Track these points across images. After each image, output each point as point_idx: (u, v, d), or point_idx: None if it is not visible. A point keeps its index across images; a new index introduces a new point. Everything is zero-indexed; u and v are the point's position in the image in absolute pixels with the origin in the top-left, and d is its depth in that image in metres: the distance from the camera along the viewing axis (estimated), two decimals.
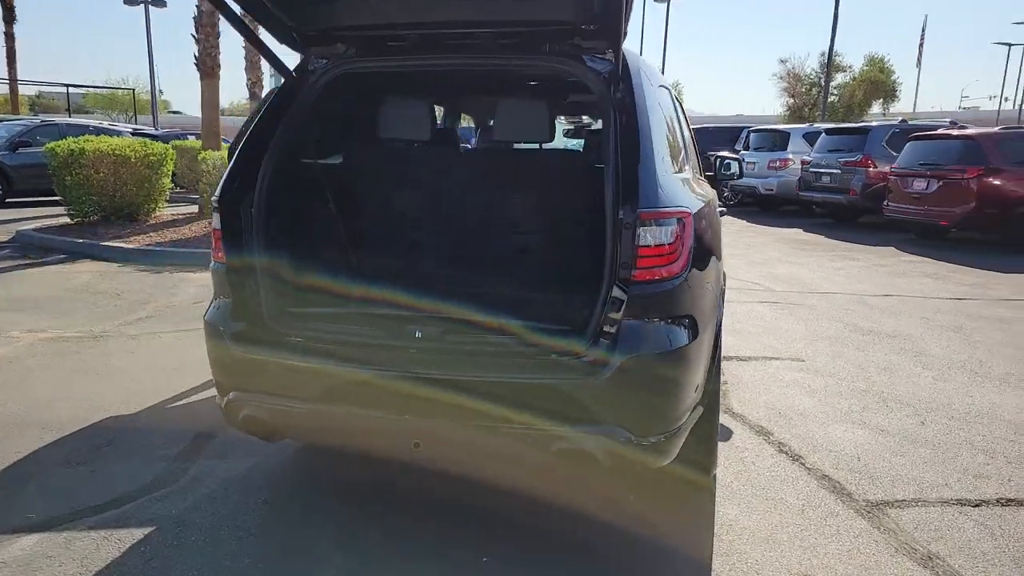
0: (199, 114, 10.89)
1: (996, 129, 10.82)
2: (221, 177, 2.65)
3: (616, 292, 2.25)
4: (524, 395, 2.23)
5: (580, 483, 2.83)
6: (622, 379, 2.20)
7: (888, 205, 10.59)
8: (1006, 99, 59.44)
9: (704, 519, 2.66)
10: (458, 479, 2.75)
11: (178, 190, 13.33)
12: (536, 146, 4.12)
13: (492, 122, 4.91)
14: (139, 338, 4.79)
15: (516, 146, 4.14)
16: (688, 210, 2.34)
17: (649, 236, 2.28)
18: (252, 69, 13.65)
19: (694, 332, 2.32)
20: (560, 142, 9.75)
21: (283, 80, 2.82)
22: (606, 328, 2.25)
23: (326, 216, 3.31)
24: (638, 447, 2.23)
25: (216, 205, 2.58)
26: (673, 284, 2.31)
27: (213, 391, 2.69)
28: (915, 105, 50.34)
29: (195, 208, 10.66)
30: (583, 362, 2.24)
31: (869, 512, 2.75)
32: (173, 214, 10.07)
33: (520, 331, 2.40)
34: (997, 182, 9.20)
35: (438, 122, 4.34)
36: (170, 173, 9.54)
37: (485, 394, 2.23)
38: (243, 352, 2.43)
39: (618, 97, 2.53)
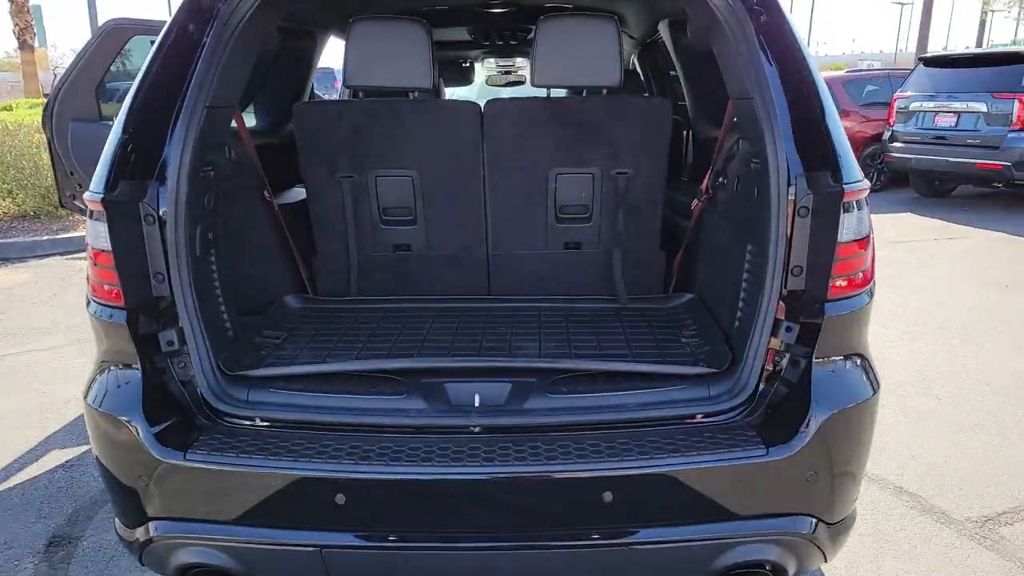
0: None
1: None
2: (103, 161, 1.94)
3: (794, 311, 1.91)
4: (663, 490, 1.85)
5: None
6: (820, 447, 1.84)
7: None
8: None
9: None
10: None
11: None
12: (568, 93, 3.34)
13: (505, 68, 4.15)
14: None
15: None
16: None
17: (852, 225, 1.80)
18: (19, 13, 11.22)
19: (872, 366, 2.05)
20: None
21: None
22: (780, 370, 1.93)
23: (298, 216, 2.49)
24: (826, 536, 1.91)
25: (95, 206, 1.88)
26: (866, 299, 1.91)
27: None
28: None
29: None
30: (749, 423, 1.92)
31: None
32: None
33: (636, 380, 2.07)
34: None
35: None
36: None
37: (598, 495, 1.84)
38: (176, 460, 1.83)
39: (763, 20, 1.92)
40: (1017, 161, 9.58)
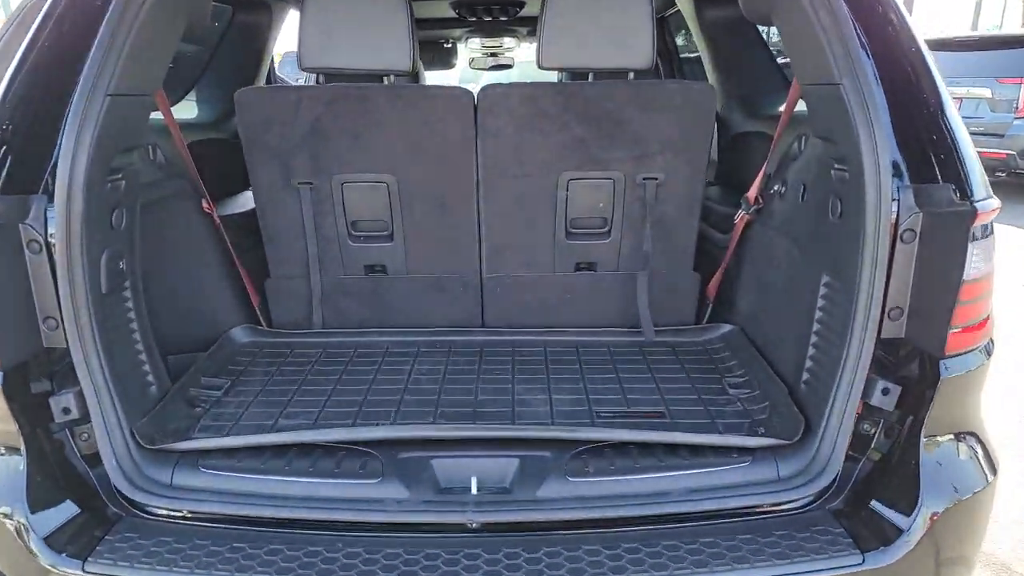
0: None
1: None
2: None
3: (890, 368, 1.61)
4: None
5: None
6: (929, 549, 1.54)
7: None
8: None
9: None
10: None
11: None
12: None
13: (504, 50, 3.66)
14: None
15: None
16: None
17: (980, 258, 1.53)
18: None
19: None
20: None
21: None
22: (871, 445, 1.64)
23: (249, 230, 2.01)
24: None
25: None
26: (985, 355, 1.65)
27: None
28: None
29: None
30: (833, 515, 1.59)
31: None
32: None
33: (680, 451, 1.73)
34: None
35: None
36: None
37: None
38: (72, 572, 1.49)
39: None
40: (1022, 149, 9.18)
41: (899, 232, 1.54)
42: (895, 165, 1.56)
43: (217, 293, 2.47)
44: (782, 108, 2.92)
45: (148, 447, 1.73)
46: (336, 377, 2.22)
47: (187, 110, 2.96)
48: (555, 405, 2.02)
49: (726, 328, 2.48)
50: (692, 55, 4.25)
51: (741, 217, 2.33)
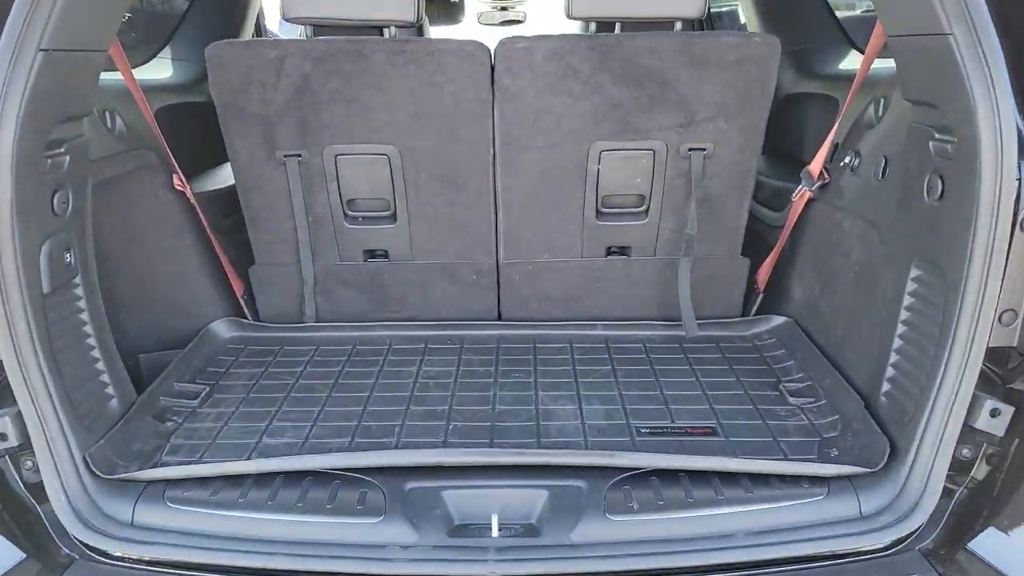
0: None
1: None
2: None
3: (1000, 382, 1.39)
4: None
5: None
6: None
7: None
8: None
9: None
10: None
11: None
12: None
13: None
14: None
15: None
16: None
17: None
18: None
19: None
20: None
21: None
22: (975, 473, 1.41)
23: (230, 209, 2.18)
24: None
25: None
26: None
27: None
28: None
29: None
30: (930, 560, 1.34)
31: None
32: None
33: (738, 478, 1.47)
34: None
35: None
36: None
37: None
38: None
39: None
40: None
41: (1020, 219, 1.29)
42: (1020, 137, 1.25)
43: (194, 282, 2.17)
44: (841, 66, 2.59)
45: (105, 477, 1.46)
46: (331, 382, 1.94)
47: (161, 70, 2.63)
48: (586, 417, 1.74)
49: (778, 320, 2.18)
50: (723, 6, 3.87)
51: (801, 193, 2.01)
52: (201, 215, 2.10)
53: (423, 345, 2.16)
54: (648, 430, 1.69)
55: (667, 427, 1.70)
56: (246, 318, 2.27)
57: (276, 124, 1.94)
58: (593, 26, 1.94)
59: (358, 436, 1.68)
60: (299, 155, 1.99)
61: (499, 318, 2.27)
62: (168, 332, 2.19)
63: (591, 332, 2.20)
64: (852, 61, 2.51)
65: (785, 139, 2.41)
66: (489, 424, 1.72)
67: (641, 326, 2.21)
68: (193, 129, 2.34)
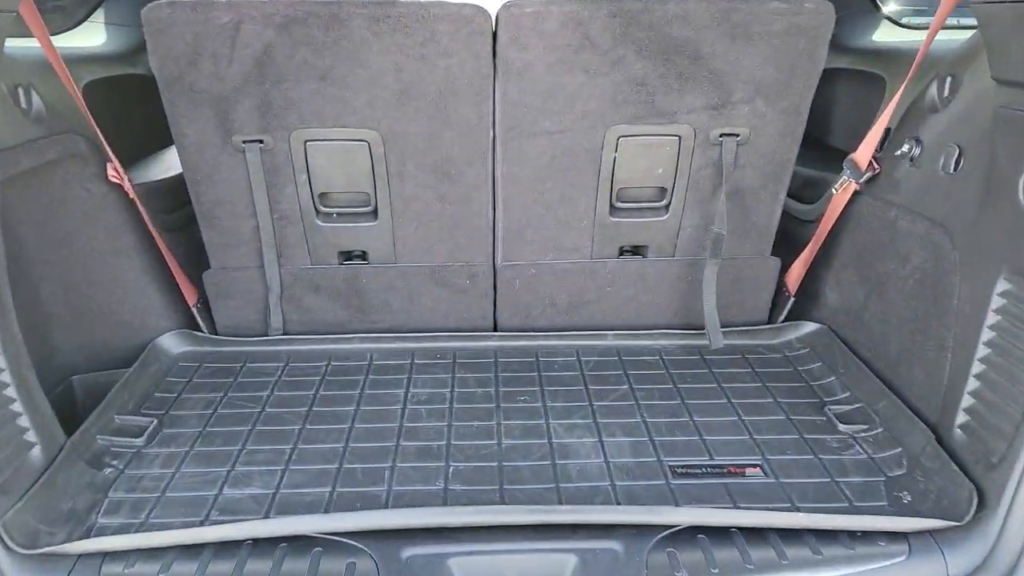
0: None
1: None
2: None
3: None
4: None
5: None
6: None
7: None
8: None
9: None
10: None
11: None
12: None
13: None
14: None
15: None
16: None
17: None
18: None
19: None
20: None
21: None
22: None
23: (179, 201, 1.90)
24: None
25: None
26: None
27: None
28: None
29: None
30: None
31: None
32: None
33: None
34: None
35: None
36: None
37: None
38: None
39: None
40: None
41: None
42: None
43: (137, 290, 1.86)
44: (875, 37, 2.35)
45: (25, 552, 1.17)
46: (304, 409, 1.66)
47: (92, 36, 2.26)
48: (610, 454, 1.49)
49: (810, 328, 1.96)
50: None
51: (845, 185, 1.77)
52: (142, 210, 1.78)
53: (409, 360, 1.89)
54: (684, 469, 1.45)
55: (705, 465, 1.47)
56: (200, 330, 1.97)
57: (232, 104, 1.63)
58: None
59: (341, 483, 1.41)
60: (260, 141, 1.68)
61: (495, 328, 2.00)
62: (108, 349, 1.88)
63: (600, 342, 1.96)
64: (886, 33, 2.27)
65: (817, 122, 2.17)
66: (496, 464, 1.47)
67: (656, 335, 1.97)
68: (131, 107, 2.00)
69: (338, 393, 1.74)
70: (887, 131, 1.70)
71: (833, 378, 1.76)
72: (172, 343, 1.91)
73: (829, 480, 1.41)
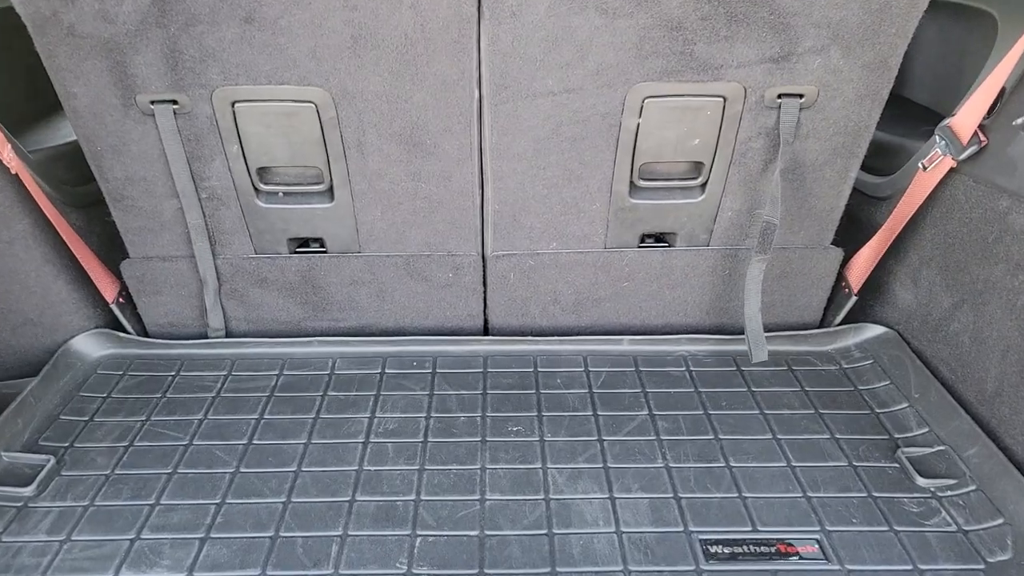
0: None
1: None
2: None
3: None
4: None
5: None
6: None
7: None
8: None
9: None
10: None
11: None
12: None
13: None
14: None
15: None
16: None
17: None
18: None
19: None
20: None
21: None
22: None
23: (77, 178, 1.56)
24: None
25: None
26: None
27: None
28: None
29: None
30: None
31: None
32: None
33: None
34: None
35: None
36: None
37: None
38: None
39: None
40: None
41: None
42: None
43: (39, 283, 1.53)
44: None
45: None
46: (243, 443, 1.35)
47: None
48: (623, 518, 1.18)
49: (873, 332, 1.61)
50: None
51: (937, 160, 1.39)
52: (36, 186, 1.43)
53: (379, 370, 1.57)
54: (719, 545, 1.14)
55: (748, 540, 1.15)
56: (127, 330, 1.65)
57: (130, 53, 1.25)
58: None
59: (274, 563, 1.11)
60: (174, 101, 1.31)
61: (485, 331, 1.67)
62: (13, 354, 1.57)
63: (614, 348, 1.62)
64: None
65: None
66: (477, 535, 1.16)
67: (682, 340, 1.63)
68: (12, 51, 1.63)
69: (287, 418, 1.42)
70: (1001, 92, 1.31)
71: (906, 405, 1.42)
72: (89, 345, 1.60)
73: (911, 568, 1.10)
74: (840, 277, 1.64)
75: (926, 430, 1.36)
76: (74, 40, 1.23)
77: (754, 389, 1.50)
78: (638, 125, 1.37)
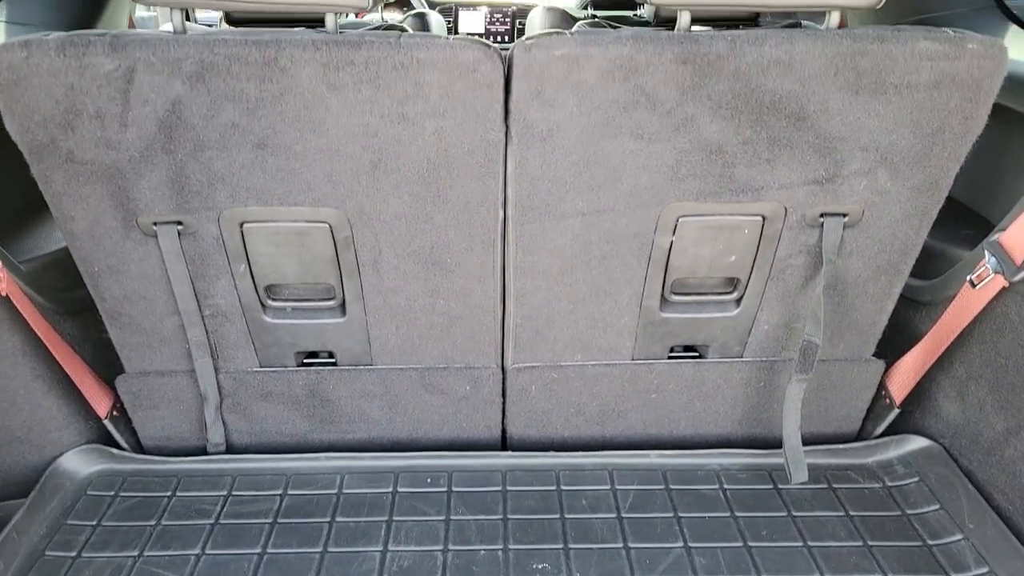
0: None
1: None
2: None
3: None
4: None
5: None
6: None
7: None
8: None
9: None
10: None
11: None
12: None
13: None
14: None
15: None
16: None
17: None
18: None
19: None
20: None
21: None
22: None
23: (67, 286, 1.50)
24: None
25: None
26: None
27: None
28: None
29: None
30: None
31: None
32: None
33: None
34: None
35: None
36: None
37: None
38: None
39: None
40: None
41: None
42: None
43: (28, 400, 1.46)
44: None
45: None
46: (247, 569, 1.28)
47: None
48: None
49: (916, 444, 1.55)
50: None
51: (988, 279, 1.34)
52: (27, 301, 1.36)
53: (391, 488, 1.49)
54: None
55: None
56: (122, 446, 1.57)
57: (133, 178, 1.19)
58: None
59: None
60: (178, 223, 1.25)
61: (502, 448, 1.60)
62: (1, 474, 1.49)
63: (641, 461, 1.55)
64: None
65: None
66: None
67: (714, 453, 1.57)
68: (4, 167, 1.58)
69: (292, 553, 1.35)
70: None
71: (960, 538, 1.36)
72: (79, 462, 1.52)
73: None
74: (881, 386, 1.58)
75: (985, 570, 1.29)
76: (73, 166, 1.16)
77: (795, 514, 1.43)
78: (671, 243, 1.32)
